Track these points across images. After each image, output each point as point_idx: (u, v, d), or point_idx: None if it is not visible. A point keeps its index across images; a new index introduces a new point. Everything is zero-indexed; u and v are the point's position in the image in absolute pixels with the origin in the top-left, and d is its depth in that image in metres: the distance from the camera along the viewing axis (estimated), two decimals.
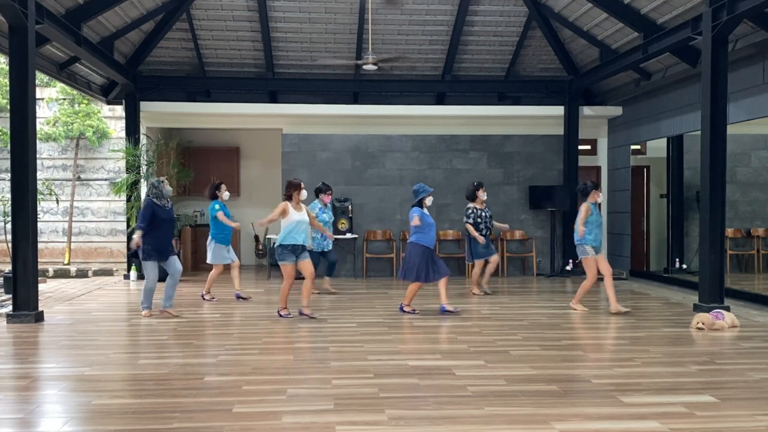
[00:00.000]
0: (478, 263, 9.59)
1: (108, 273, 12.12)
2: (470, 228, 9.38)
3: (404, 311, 7.99)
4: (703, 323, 6.83)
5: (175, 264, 7.67)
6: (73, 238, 12.78)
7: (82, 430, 3.88)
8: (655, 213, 11.78)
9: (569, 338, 6.46)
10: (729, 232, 9.24)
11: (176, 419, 3.98)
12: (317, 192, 9.54)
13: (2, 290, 9.50)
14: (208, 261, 9.01)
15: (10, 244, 8.12)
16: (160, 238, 7.55)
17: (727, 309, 7.52)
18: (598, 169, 12.96)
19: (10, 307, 7.48)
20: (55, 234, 12.89)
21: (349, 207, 11.86)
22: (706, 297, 7.87)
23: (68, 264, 12.43)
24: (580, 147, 12.41)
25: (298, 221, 7.46)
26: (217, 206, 8.94)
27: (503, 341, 6.33)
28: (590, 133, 12.80)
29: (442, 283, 7.94)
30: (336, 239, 11.77)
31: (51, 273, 11.83)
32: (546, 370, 5.19)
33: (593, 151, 12.96)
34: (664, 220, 11.44)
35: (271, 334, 6.73)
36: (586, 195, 7.98)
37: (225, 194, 9.15)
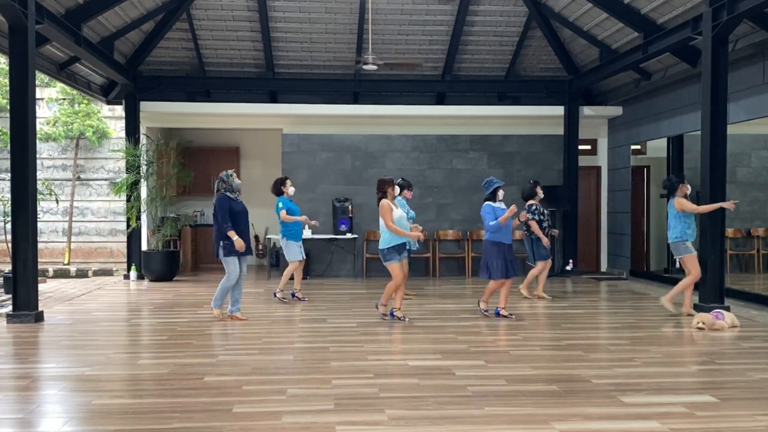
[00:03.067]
0: (541, 265, 9.17)
1: (108, 273, 12.12)
2: (535, 226, 8.92)
3: (486, 313, 7.65)
4: (703, 323, 6.83)
5: (245, 264, 7.58)
6: (73, 238, 12.78)
7: (82, 430, 3.88)
8: (655, 213, 11.78)
9: (569, 338, 6.45)
10: (729, 232, 9.24)
11: (176, 419, 3.98)
12: (400, 188, 8.83)
13: (2, 290, 9.50)
14: (291, 259, 8.83)
15: (10, 244, 8.12)
16: (241, 233, 7.39)
17: (727, 309, 7.52)
18: (598, 169, 12.96)
19: (10, 307, 7.47)
20: (55, 234, 12.90)
21: (349, 207, 11.86)
22: (706, 297, 7.87)
23: (68, 264, 12.43)
24: (580, 147, 12.40)
25: (399, 217, 7.31)
26: (280, 204, 8.76)
27: (503, 341, 6.33)
28: (590, 133, 12.80)
29: (508, 283, 7.61)
30: (335, 239, 11.80)
31: (51, 273, 11.83)
32: (546, 370, 5.19)
33: (593, 151, 12.96)
34: (664, 220, 11.40)
35: (271, 334, 6.73)
36: (673, 191, 7.63)
37: (290, 189, 8.95)
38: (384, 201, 7.27)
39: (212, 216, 7.53)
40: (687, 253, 7.60)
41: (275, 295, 8.97)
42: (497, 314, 7.61)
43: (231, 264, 7.34)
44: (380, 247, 7.31)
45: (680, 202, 7.59)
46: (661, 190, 7.84)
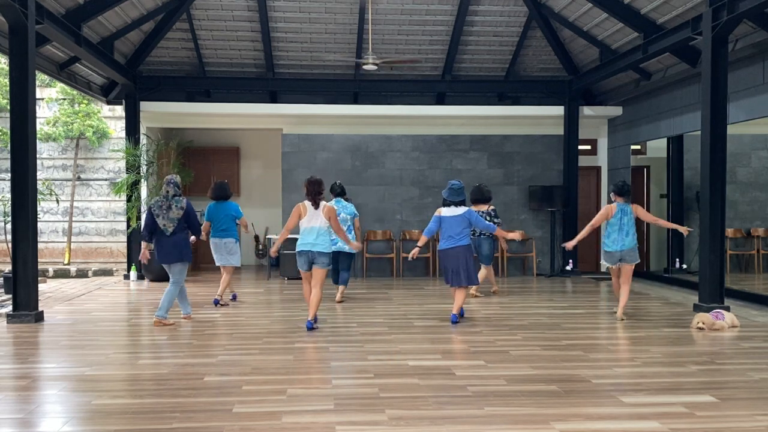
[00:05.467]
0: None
1: (108, 273, 12.12)
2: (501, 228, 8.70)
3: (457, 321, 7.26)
4: (703, 323, 6.83)
5: None
6: (73, 238, 12.78)
7: (82, 430, 3.88)
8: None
9: (569, 338, 6.45)
10: (729, 232, 9.24)
11: (176, 419, 3.98)
12: (342, 192, 9.10)
13: (2, 290, 9.50)
14: (236, 264, 8.56)
15: (10, 244, 8.12)
16: None
17: (727, 309, 7.52)
18: (598, 169, 12.96)
19: (10, 307, 7.48)
20: (55, 234, 12.90)
21: None
22: (706, 297, 7.87)
23: (68, 264, 12.43)
24: (580, 147, 12.41)
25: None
26: (239, 208, 8.64)
27: (503, 341, 6.33)
28: (590, 133, 12.80)
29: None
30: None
31: (51, 273, 11.83)
32: (546, 370, 5.19)
33: (593, 151, 12.96)
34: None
35: (271, 334, 6.73)
36: (629, 194, 7.60)
37: None
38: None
39: (185, 220, 7.18)
40: (638, 260, 7.59)
41: (217, 303, 8.49)
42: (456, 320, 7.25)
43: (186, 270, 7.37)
44: (328, 250, 6.90)
45: (639, 208, 7.60)
46: (614, 192, 7.61)
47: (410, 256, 7.53)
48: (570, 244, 7.89)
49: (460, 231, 7.18)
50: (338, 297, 8.84)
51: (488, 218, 8.86)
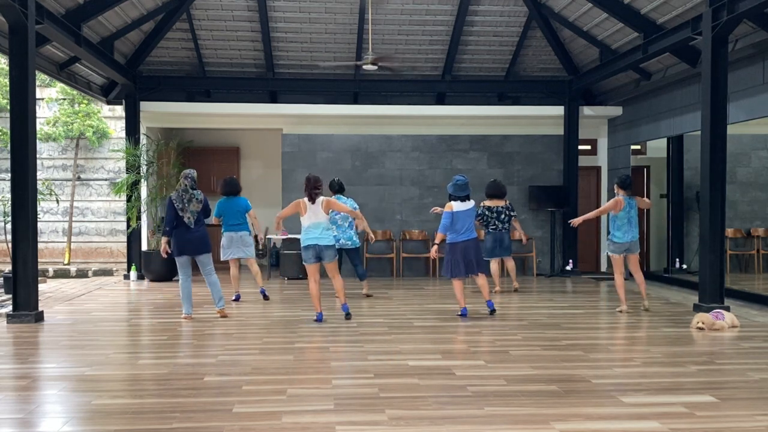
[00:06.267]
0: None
1: (108, 273, 12.12)
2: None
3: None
4: (703, 323, 6.83)
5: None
6: (73, 238, 12.78)
7: (82, 430, 3.88)
8: (655, 213, 11.78)
9: (569, 338, 6.45)
10: (729, 232, 9.24)
11: (176, 419, 3.98)
12: (341, 188, 9.49)
13: (2, 290, 9.51)
14: (252, 255, 8.90)
15: (10, 244, 8.12)
16: None
17: (727, 309, 7.52)
18: (598, 169, 12.96)
19: (10, 307, 7.48)
20: (55, 234, 12.90)
21: None
22: (706, 297, 7.87)
23: (68, 264, 12.43)
24: (580, 147, 12.41)
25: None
26: (249, 203, 8.91)
27: (503, 341, 6.33)
28: (590, 133, 12.80)
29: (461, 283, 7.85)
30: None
31: (51, 273, 11.83)
32: (546, 370, 5.19)
33: (593, 151, 12.96)
34: (664, 220, 11.44)
35: (271, 334, 6.73)
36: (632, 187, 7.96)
37: None
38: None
39: (202, 212, 7.53)
40: (639, 249, 8.13)
41: (266, 295, 9.08)
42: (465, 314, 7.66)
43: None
44: (332, 243, 7.29)
45: (639, 199, 8.03)
46: (618, 185, 7.95)
47: (432, 256, 7.99)
48: (576, 221, 8.15)
49: (470, 224, 7.61)
50: (365, 291, 9.39)
51: (507, 212, 9.58)
